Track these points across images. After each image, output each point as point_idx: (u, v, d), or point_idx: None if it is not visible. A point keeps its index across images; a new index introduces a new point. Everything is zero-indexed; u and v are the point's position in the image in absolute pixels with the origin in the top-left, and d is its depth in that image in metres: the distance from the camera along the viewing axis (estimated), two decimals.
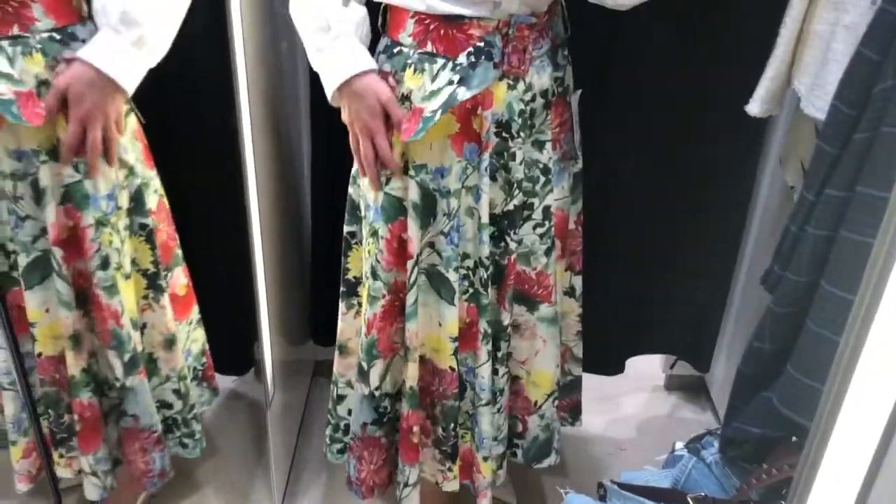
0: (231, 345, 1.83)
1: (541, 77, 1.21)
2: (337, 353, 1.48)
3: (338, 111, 1.24)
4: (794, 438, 1.10)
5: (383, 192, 1.24)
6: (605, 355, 1.89)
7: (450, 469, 1.45)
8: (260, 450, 1.84)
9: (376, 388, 1.38)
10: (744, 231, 1.76)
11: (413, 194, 1.23)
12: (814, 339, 0.95)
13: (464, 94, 1.14)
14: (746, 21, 1.48)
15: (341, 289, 1.44)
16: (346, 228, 1.39)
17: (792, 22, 1.29)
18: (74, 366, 1.34)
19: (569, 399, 1.64)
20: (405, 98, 1.18)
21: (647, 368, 2.08)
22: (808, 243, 1.00)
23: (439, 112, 1.15)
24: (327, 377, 2.05)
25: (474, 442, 1.40)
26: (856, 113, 0.94)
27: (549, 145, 1.26)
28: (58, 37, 1.16)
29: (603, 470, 1.82)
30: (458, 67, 1.15)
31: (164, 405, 1.50)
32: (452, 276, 1.27)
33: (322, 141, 1.73)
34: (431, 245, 1.28)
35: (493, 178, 1.23)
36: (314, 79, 1.30)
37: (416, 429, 1.39)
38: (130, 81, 1.19)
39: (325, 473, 1.79)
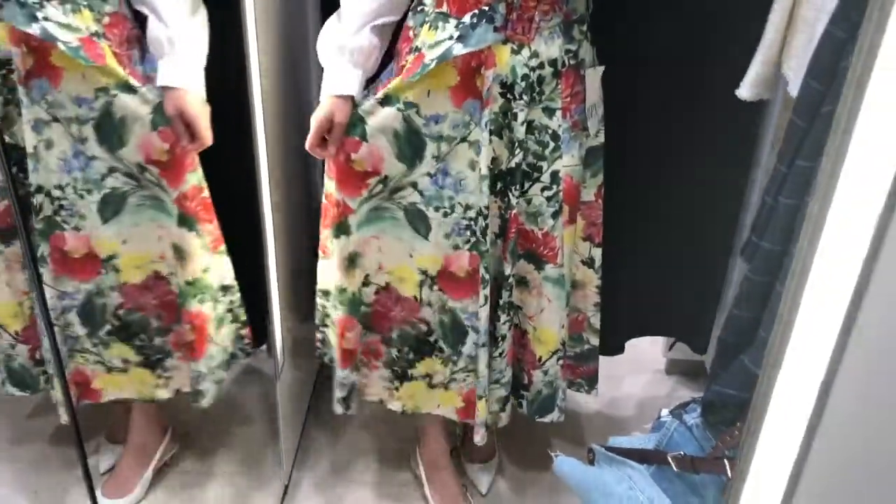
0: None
1: (549, 47, 1.30)
2: None
3: None
4: None
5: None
6: (604, 336, 1.93)
7: (396, 388, 1.58)
8: (270, 423, 1.91)
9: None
10: (740, 215, 1.81)
11: (395, 123, 1.34)
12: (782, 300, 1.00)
13: (459, 49, 1.25)
14: (743, 7, 1.52)
15: None
16: None
17: (780, 8, 1.34)
18: (183, 275, 1.49)
19: (586, 367, 1.73)
20: (417, 49, 1.30)
21: (648, 353, 2.13)
22: (781, 212, 1.05)
23: (435, 61, 1.26)
24: None
25: (476, 382, 1.50)
26: (824, 88, 0.99)
27: (559, 113, 1.34)
28: None
29: None
30: (461, 26, 1.25)
31: None
32: (431, 214, 1.39)
33: None
34: (414, 185, 1.38)
35: (498, 136, 1.33)
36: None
37: (349, 335, 1.52)
38: (195, 83, 1.36)
39: (334, 448, 1.86)
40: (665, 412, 1.29)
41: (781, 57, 1.39)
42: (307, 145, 1.41)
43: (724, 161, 1.72)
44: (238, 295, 1.61)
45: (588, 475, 1.25)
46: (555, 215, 1.40)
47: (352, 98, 1.36)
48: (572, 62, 1.34)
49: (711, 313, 1.93)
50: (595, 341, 1.69)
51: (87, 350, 1.55)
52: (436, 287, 1.48)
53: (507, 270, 1.44)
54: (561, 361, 1.55)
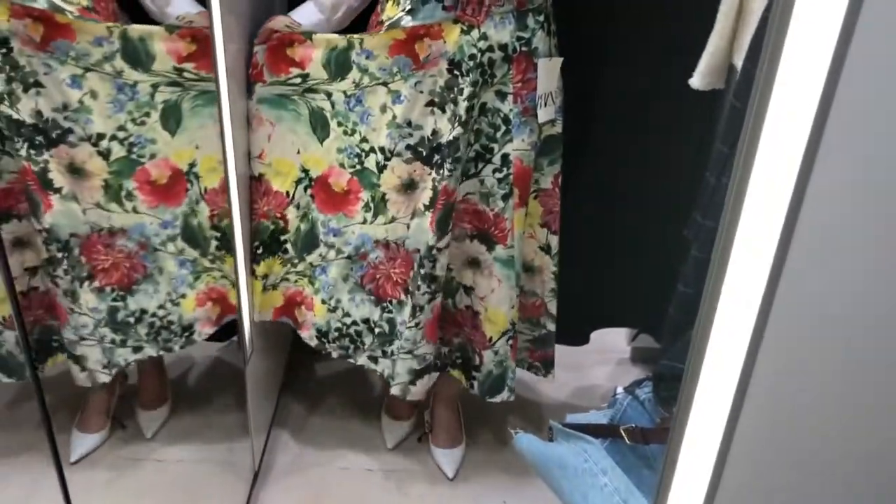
0: None
1: (499, 31, 1.37)
2: None
3: None
4: None
5: None
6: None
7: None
8: (240, 414, 1.93)
9: None
10: None
11: (337, 41, 1.43)
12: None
13: (408, 21, 1.37)
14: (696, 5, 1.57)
15: None
16: None
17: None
18: None
19: (542, 351, 1.77)
20: (381, 23, 1.43)
21: (614, 342, 2.18)
22: (723, 192, 1.10)
23: (385, 28, 1.39)
24: (305, 352, 2.16)
25: (313, 287, 1.57)
26: None
27: (510, 98, 1.41)
28: None
29: None
30: (414, 1, 1.35)
31: None
32: (334, 126, 1.46)
33: None
34: (328, 95, 1.46)
35: (441, 110, 1.40)
36: None
37: None
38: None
39: (302, 439, 1.88)
40: (620, 389, 1.33)
41: (733, 48, 1.44)
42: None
43: (686, 152, 1.76)
44: None
45: (546, 450, 1.29)
46: (505, 197, 1.46)
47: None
48: (524, 49, 1.40)
49: None
50: (551, 326, 1.73)
51: (209, 269, 1.58)
52: (309, 191, 1.53)
53: (431, 242, 1.47)
54: (511, 342, 1.59)
